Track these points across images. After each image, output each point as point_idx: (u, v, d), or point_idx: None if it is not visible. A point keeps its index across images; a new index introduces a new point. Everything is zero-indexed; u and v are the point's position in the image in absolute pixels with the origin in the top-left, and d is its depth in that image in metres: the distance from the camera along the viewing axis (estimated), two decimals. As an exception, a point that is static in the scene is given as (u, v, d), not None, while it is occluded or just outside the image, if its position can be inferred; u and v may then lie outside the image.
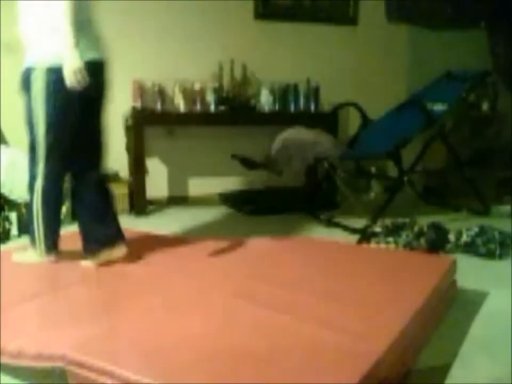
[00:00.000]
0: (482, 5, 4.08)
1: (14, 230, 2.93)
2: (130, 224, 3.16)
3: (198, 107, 3.69)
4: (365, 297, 1.65)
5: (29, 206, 2.12)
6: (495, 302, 1.98)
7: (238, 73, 3.89)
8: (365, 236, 2.78)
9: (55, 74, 1.94)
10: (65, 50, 1.89)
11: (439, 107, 3.20)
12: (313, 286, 1.76)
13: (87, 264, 2.10)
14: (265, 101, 3.83)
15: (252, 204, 3.65)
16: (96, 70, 2.05)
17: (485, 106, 4.30)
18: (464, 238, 2.63)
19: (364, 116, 3.61)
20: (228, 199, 3.86)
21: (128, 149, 3.68)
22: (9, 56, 3.39)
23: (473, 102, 4.23)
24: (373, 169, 4.21)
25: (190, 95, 3.68)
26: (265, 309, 1.56)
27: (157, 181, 3.84)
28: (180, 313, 1.55)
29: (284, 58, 4.10)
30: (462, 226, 2.78)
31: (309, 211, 3.46)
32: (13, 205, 3.03)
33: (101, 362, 1.21)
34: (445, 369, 1.47)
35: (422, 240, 2.59)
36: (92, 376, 1.20)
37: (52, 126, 2.03)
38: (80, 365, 1.23)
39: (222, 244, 2.46)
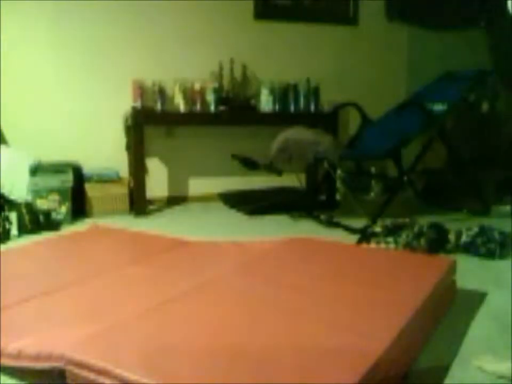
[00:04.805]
0: (481, 5, 4.08)
1: (14, 230, 2.93)
2: (130, 224, 3.16)
3: (198, 107, 3.69)
4: (365, 297, 1.65)
5: None
6: (495, 302, 1.98)
7: (238, 73, 3.89)
8: (365, 236, 2.77)
9: None
10: None
11: (439, 107, 3.20)
12: (312, 286, 1.76)
13: None
14: (265, 100, 3.83)
15: (252, 203, 3.65)
16: None
17: (485, 106, 4.29)
18: (464, 238, 2.63)
19: (363, 116, 3.61)
20: (228, 199, 3.86)
21: (128, 148, 3.68)
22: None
23: (473, 102, 4.22)
24: (373, 169, 4.21)
25: (190, 95, 3.68)
26: (263, 309, 1.56)
27: (157, 181, 3.84)
28: (178, 313, 1.55)
29: (284, 58, 4.10)
30: (462, 226, 2.77)
31: (309, 211, 3.46)
32: (13, 205, 3.03)
33: (99, 362, 1.21)
34: (444, 369, 1.46)
35: (422, 240, 2.59)
36: (91, 376, 1.20)
37: None
38: (79, 364, 1.23)
39: (222, 244, 2.46)
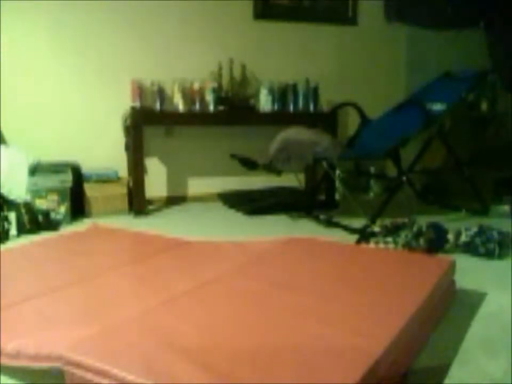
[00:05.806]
0: (480, 5, 4.08)
1: (13, 230, 2.93)
2: (129, 224, 3.16)
3: (197, 107, 3.68)
4: (364, 297, 1.65)
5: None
6: (494, 302, 1.97)
7: (237, 73, 3.89)
8: (364, 235, 2.77)
9: None
10: None
11: (438, 107, 3.20)
12: (312, 286, 1.76)
13: None
14: (264, 100, 3.83)
15: (251, 203, 3.65)
16: None
17: (484, 106, 4.30)
18: (463, 237, 2.63)
19: (363, 116, 3.60)
20: (227, 199, 3.86)
21: (127, 148, 3.68)
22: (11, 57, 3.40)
23: (473, 102, 4.23)
24: (372, 169, 4.21)
25: (189, 94, 3.68)
26: (263, 309, 1.56)
27: (156, 181, 3.84)
28: (177, 313, 1.55)
29: (283, 58, 4.10)
30: (461, 226, 2.77)
31: (309, 211, 3.45)
32: (12, 204, 3.02)
33: (97, 363, 1.21)
34: (444, 369, 1.46)
35: (421, 240, 2.58)
36: (88, 376, 1.20)
37: None
38: (77, 365, 1.23)
39: (222, 244, 2.46)
